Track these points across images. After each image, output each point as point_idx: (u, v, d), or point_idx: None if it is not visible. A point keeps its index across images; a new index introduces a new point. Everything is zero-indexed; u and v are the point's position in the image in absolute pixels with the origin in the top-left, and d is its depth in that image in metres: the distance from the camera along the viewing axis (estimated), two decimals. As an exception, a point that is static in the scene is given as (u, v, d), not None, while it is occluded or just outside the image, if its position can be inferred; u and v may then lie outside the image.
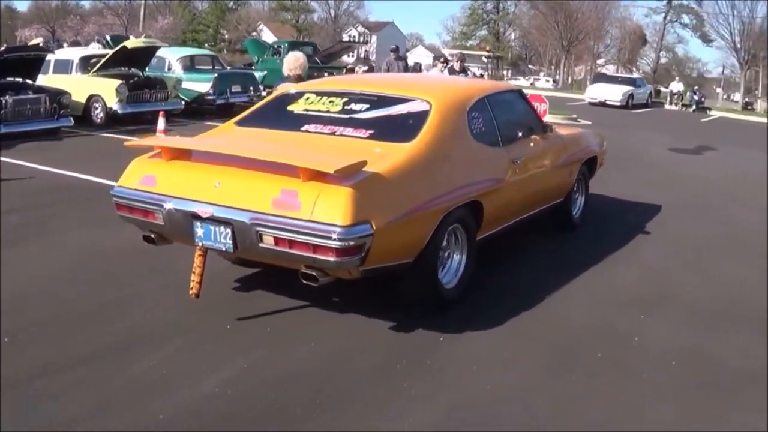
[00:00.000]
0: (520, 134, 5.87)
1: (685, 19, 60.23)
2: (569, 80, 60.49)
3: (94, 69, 15.00)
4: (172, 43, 30.74)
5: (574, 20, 55.60)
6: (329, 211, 3.96)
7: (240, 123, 5.43)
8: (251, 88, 18.04)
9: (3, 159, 9.90)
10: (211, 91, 16.68)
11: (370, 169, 4.21)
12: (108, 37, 22.08)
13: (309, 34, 61.84)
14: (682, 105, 35.22)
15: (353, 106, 5.23)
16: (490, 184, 5.27)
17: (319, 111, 5.26)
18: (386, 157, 4.48)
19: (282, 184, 4.10)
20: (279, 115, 5.39)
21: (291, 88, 5.85)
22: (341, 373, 3.99)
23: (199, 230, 4.37)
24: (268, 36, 57.87)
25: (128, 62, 15.46)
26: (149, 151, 4.89)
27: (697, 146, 17.02)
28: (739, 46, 50.09)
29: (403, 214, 4.30)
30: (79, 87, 14.26)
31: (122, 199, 4.66)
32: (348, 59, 38.09)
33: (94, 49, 19.84)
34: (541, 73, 41.83)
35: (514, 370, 4.17)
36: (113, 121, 14.32)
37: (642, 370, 4.24)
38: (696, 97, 34.52)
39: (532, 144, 6.10)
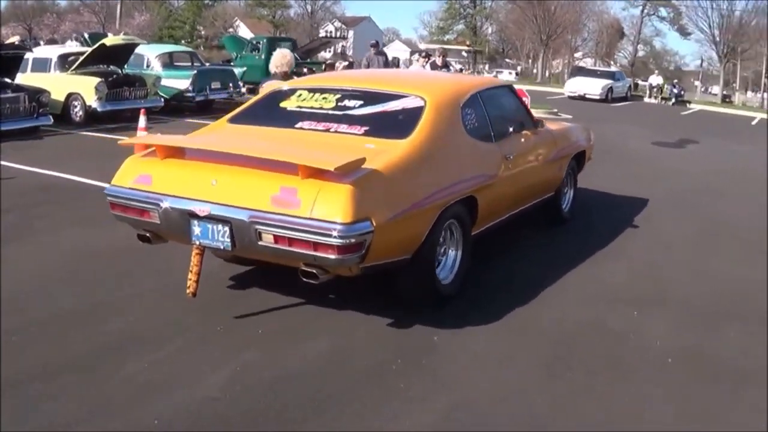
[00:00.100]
0: (511, 129, 5.89)
1: (663, 12, 60.68)
2: (547, 74, 60.74)
3: (73, 67, 14.84)
4: (149, 40, 30.47)
5: (552, 14, 55.82)
6: (330, 208, 3.94)
7: (233, 120, 5.39)
8: (231, 84, 17.96)
9: (-17, 159, 9.76)
10: (190, 88, 16.59)
11: (368, 166, 4.19)
12: (86, 35, 21.83)
13: (286, 29, 61.58)
14: (662, 98, 35.51)
15: (347, 103, 5.20)
16: (484, 179, 5.27)
17: (312, 108, 5.23)
18: (383, 154, 4.47)
19: (281, 182, 4.08)
20: (272, 112, 5.35)
21: (283, 85, 5.81)
22: (339, 373, 3.96)
23: (197, 229, 4.32)
24: (244, 32, 57.60)
25: (107, 60, 15.33)
26: (141, 149, 4.83)
27: (680, 139, 17.16)
28: (718, 39, 50.53)
29: (402, 211, 4.29)
30: (57, 85, 14.10)
31: (117, 198, 4.61)
32: (325, 55, 37.92)
33: (73, 47, 19.64)
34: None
35: (511, 367, 4.16)
36: (93, 119, 14.19)
37: (639, 367, 4.24)
38: (675, 90, 34.81)
39: (523, 139, 6.11)
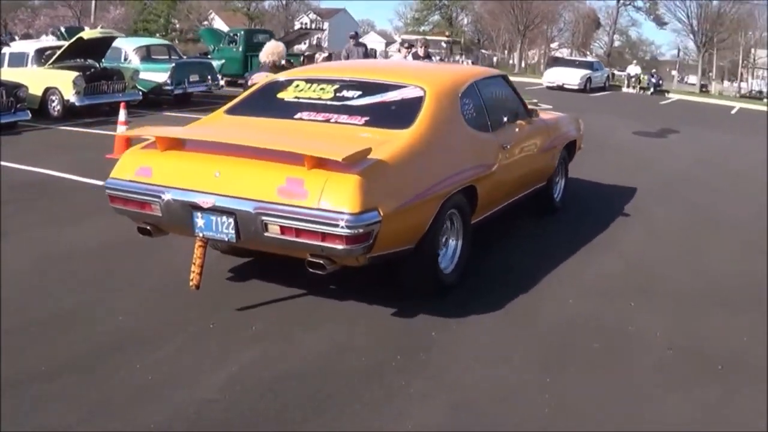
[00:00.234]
0: (507, 119, 5.89)
1: (639, 2, 60.97)
2: (523, 65, 60.90)
3: (50, 61, 14.62)
4: (126, 33, 30.09)
5: (529, 4, 55.90)
6: (338, 198, 3.91)
7: (230, 111, 5.33)
8: (209, 77, 17.82)
9: (-39, 155, 9.58)
10: (168, 81, 16.41)
11: (373, 156, 4.17)
12: (63, 29, 21.49)
13: (261, 22, 61.13)
14: (640, 88, 35.75)
15: (345, 93, 5.17)
16: (483, 169, 5.27)
17: (310, 98, 5.19)
18: (386, 144, 4.45)
19: (287, 173, 4.04)
20: (270, 103, 5.30)
21: (279, 76, 5.76)
22: (339, 373, 3.90)
23: (200, 221, 4.27)
24: (219, 25, 57.03)
25: (84, 53, 15.10)
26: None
27: (661, 129, 17.25)
28: (696, 28, 50.87)
29: (408, 201, 4.28)
30: (35, 80, 13.89)
31: (116, 191, 4.54)
32: (300, 47, 37.62)
33: (49, 41, 19.36)
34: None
35: (512, 362, 4.13)
36: (71, 113, 14.00)
37: (638, 360, 4.23)
38: (654, 80, 35.04)
39: (518, 129, 6.11)
